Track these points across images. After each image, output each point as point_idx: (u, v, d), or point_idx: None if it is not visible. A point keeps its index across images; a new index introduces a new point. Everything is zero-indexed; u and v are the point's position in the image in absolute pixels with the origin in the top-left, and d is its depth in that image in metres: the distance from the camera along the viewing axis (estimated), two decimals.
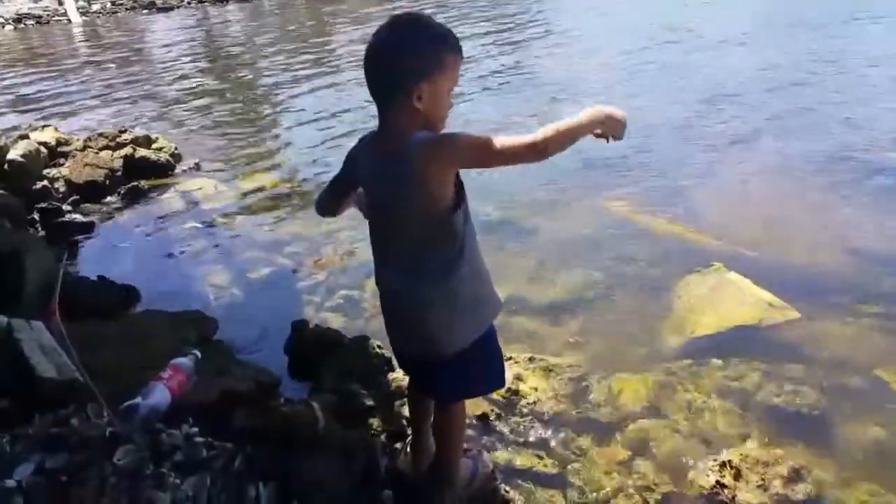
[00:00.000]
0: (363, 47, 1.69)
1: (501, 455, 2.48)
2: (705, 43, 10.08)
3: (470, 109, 7.03)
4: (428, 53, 1.62)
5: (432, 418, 2.16)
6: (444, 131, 1.70)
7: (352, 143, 1.89)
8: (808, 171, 5.13)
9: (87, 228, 4.80)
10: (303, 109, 7.90)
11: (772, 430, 2.65)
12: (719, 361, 3.01)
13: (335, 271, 3.99)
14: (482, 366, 1.97)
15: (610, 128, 1.72)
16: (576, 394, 2.82)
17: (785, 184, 4.94)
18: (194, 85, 9.76)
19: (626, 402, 2.78)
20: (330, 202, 2.02)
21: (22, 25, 17.30)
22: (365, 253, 2.00)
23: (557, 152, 1.62)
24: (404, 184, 1.65)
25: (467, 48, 1.83)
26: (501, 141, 1.61)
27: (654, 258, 3.93)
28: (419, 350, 1.91)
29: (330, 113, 7.48)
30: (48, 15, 18.16)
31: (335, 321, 3.46)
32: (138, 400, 2.20)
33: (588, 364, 3.00)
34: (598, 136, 1.74)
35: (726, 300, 3.45)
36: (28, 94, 9.38)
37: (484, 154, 1.63)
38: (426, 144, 1.62)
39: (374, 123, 1.78)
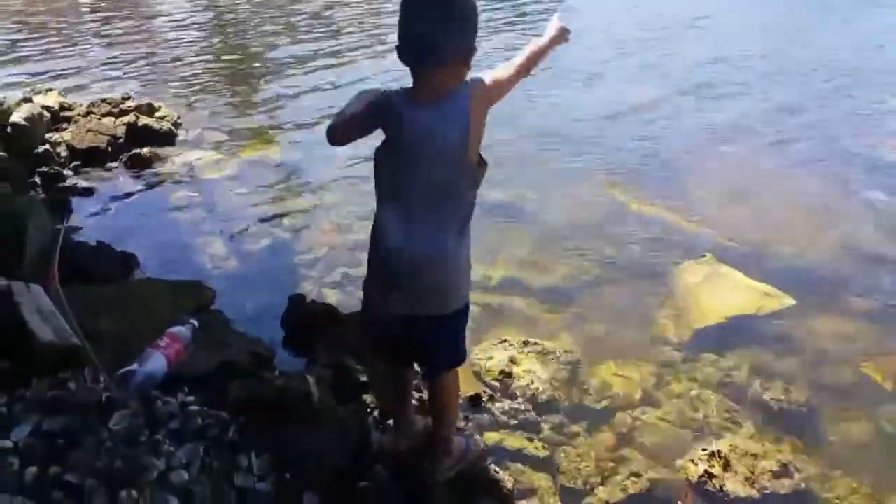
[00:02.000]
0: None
1: (492, 436, 2.51)
2: (712, 31, 10.02)
3: None
4: (471, 24, 1.78)
5: (423, 396, 2.21)
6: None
7: None
8: (806, 164, 5.13)
9: (88, 194, 4.79)
10: (307, 82, 7.85)
11: (761, 423, 2.69)
12: (712, 352, 3.05)
13: (335, 246, 3.99)
14: (462, 332, 2.05)
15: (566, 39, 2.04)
16: (569, 379, 2.84)
17: (782, 176, 4.95)
18: (199, 55, 9.67)
19: (618, 389, 2.81)
20: (351, 135, 1.93)
21: None
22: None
23: (527, 73, 1.92)
24: (458, 130, 1.75)
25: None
26: (505, 73, 1.86)
27: (651, 246, 3.95)
28: (428, 305, 1.92)
29: (334, 86, 7.43)
30: None
31: (332, 297, 3.47)
32: (135, 366, 2.22)
33: (582, 350, 3.03)
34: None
35: (722, 289, 3.48)
36: (31, 58, 9.30)
37: (503, 89, 1.86)
38: (480, 90, 1.78)
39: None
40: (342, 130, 1.91)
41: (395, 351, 2.11)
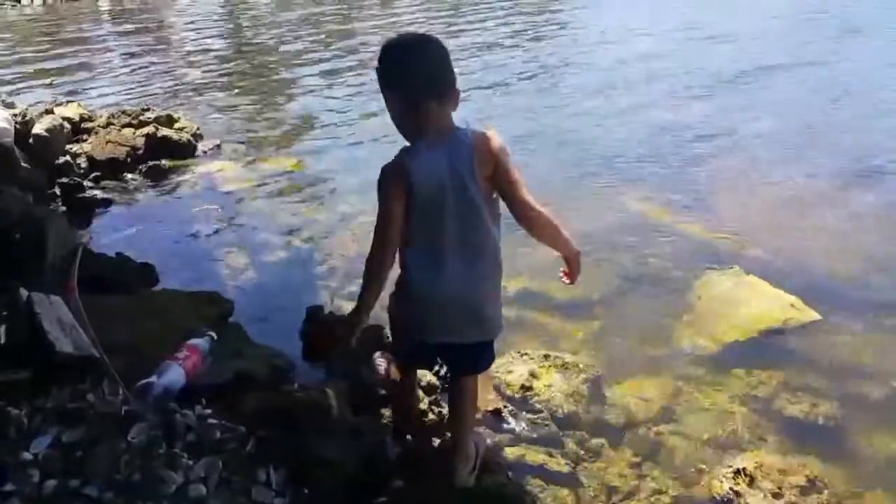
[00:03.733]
0: (391, 35, 1.70)
1: (513, 451, 2.47)
2: (733, 40, 9.98)
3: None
4: (450, 61, 1.89)
5: (453, 399, 2.29)
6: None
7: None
8: (832, 176, 5.04)
9: (107, 205, 4.82)
10: (326, 95, 7.90)
11: (788, 438, 2.62)
12: (737, 366, 2.98)
13: (353, 258, 3.98)
14: None
15: (573, 267, 2.06)
16: (591, 393, 2.79)
17: (808, 188, 4.86)
18: (219, 66, 9.78)
19: (641, 404, 2.76)
20: (396, 242, 1.93)
21: (51, 2, 17.40)
22: None
23: (537, 236, 1.96)
24: (468, 162, 1.84)
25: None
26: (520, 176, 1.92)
27: (674, 258, 3.89)
28: (479, 333, 2.05)
29: (352, 100, 7.47)
30: None
31: (350, 308, 3.43)
32: (153, 378, 2.21)
33: (604, 364, 2.98)
34: (564, 272, 2.09)
35: (747, 301, 3.41)
36: (53, 70, 9.43)
37: (513, 184, 1.90)
38: (485, 134, 1.89)
39: None
40: (382, 243, 1.92)
41: (432, 362, 2.36)
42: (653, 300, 3.53)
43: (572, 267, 2.04)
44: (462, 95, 1.90)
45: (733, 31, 10.47)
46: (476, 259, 1.93)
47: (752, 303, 3.40)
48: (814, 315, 3.30)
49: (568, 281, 2.08)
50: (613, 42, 10.37)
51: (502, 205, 1.95)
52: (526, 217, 1.89)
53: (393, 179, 1.86)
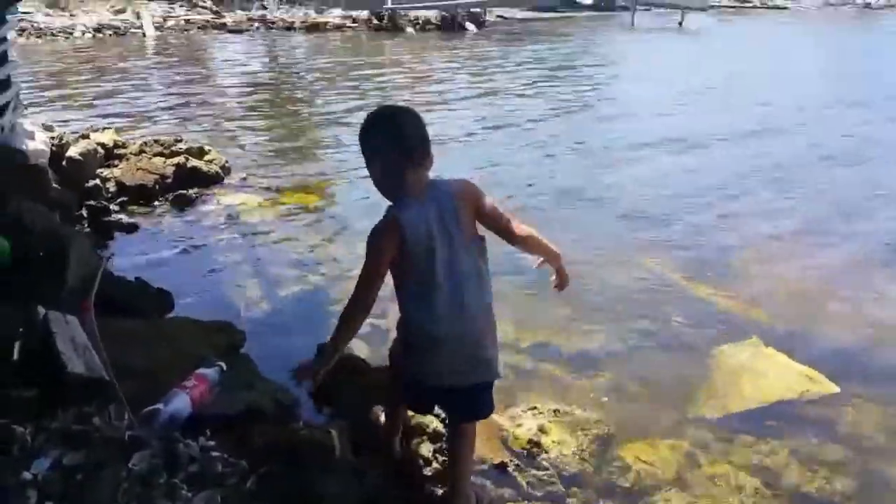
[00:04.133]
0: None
1: None
2: (754, 97, 10.05)
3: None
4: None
5: (451, 445, 2.32)
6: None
7: None
8: (858, 250, 4.99)
9: (132, 229, 4.89)
10: (352, 135, 7.99)
11: None
12: (751, 436, 2.90)
13: None
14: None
15: (564, 278, 2.32)
16: (600, 453, 2.73)
17: (832, 260, 4.80)
18: (252, 103, 10.00)
19: (650, 468, 2.68)
20: (374, 296, 2.08)
21: (101, 35, 17.99)
22: (391, 280, 2.05)
23: (528, 251, 2.31)
24: (451, 210, 2.02)
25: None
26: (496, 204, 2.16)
27: (690, 322, 3.83)
28: (475, 375, 2.12)
29: None
30: (126, 27, 18.86)
31: (361, 349, 3.43)
32: (160, 406, 2.20)
33: (616, 423, 2.91)
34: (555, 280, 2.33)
35: (764, 372, 3.35)
36: (95, 97, 9.70)
37: (492, 212, 2.15)
38: (462, 182, 2.13)
39: None
40: (363, 297, 2.09)
41: (431, 407, 2.38)
42: (667, 362, 3.47)
43: (560, 272, 2.29)
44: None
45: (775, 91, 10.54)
46: (467, 297, 2.04)
47: (769, 374, 3.34)
48: (832, 388, 3.23)
49: (558, 286, 2.31)
50: (638, 100, 10.48)
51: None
52: (516, 242, 2.18)
53: (387, 234, 2.01)
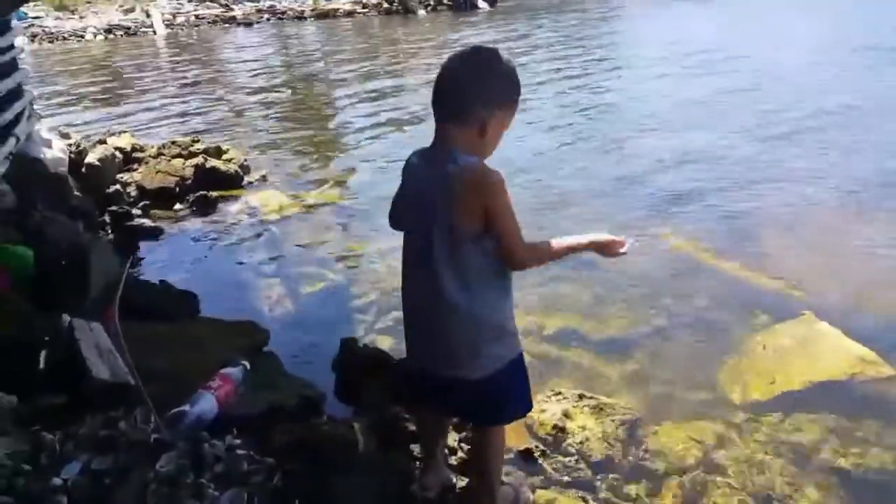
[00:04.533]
0: (435, 66, 1.71)
1: (544, 494, 2.39)
2: (781, 71, 9.85)
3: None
4: (501, 89, 1.74)
5: (472, 452, 2.18)
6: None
7: None
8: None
9: (154, 233, 4.94)
10: (371, 128, 8.02)
11: (834, 492, 2.49)
12: (786, 416, 2.84)
13: (388, 292, 3.98)
14: (511, 392, 1.96)
15: (609, 251, 1.90)
16: (627, 437, 2.70)
17: (868, 230, 4.66)
18: (268, 98, 10.04)
19: (679, 450, 2.65)
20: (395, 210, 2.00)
21: (112, 36, 18.16)
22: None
23: (535, 266, 1.84)
24: (444, 192, 1.71)
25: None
26: (509, 220, 1.74)
27: (719, 301, 3.76)
28: (446, 366, 1.88)
29: (398, 133, 7.56)
30: (136, 26, 19.04)
31: (384, 342, 3.44)
32: (186, 407, 2.22)
33: (642, 407, 2.89)
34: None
35: (814, 351, 3.22)
36: (109, 100, 9.80)
37: (501, 223, 1.74)
38: (474, 173, 1.70)
39: None
40: (392, 212, 1.97)
41: (435, 402, 2.06)
42: (698, 345, 3.40)
43: (603, 254, 1.92)
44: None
45: (786, 66, 10.33)
46: (443, 285, 1.76)
47: (818, 353, 3.20)
48: (886, 366, 3.09)
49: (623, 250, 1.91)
50: (664, 77, 10.34)
51: None
52: (515, 264, 1.80)
53: (405, 162, 1.89)
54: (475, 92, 1.71)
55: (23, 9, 12.43)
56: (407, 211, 1.90)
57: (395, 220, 1.98)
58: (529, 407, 2.07)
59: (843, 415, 2.84)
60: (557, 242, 1.85)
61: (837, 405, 2.91)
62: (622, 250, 1.90)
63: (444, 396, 1.96)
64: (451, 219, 1.71)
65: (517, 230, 1.75)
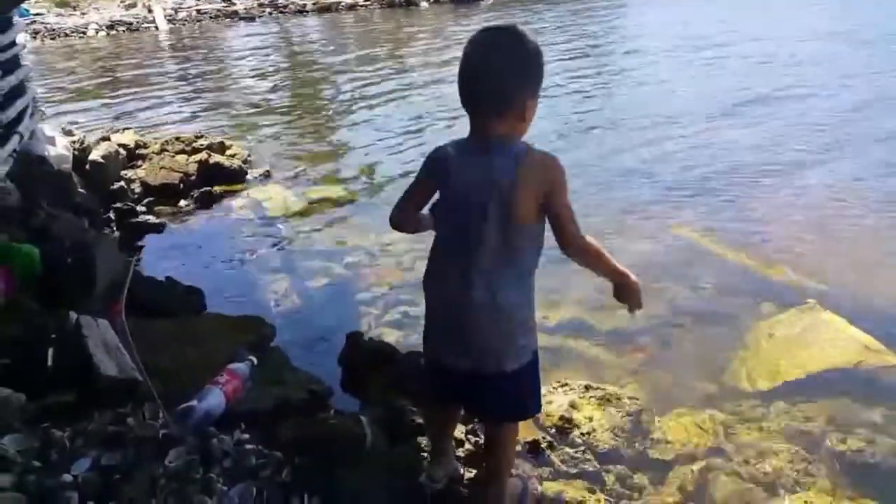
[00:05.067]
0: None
1: (551, 486, 2.40)
2: (790, 62, 9.80)
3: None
4: (536, 70, 1.71)
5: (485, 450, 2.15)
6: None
7: (419, 156, 1.89)
8: None
9: (159, 229, 4.95)
10: (374, 122, 8.00)
11: (842, 478, 2.49)
12: (792, 404, 2.85)
13: (395, 285, 3.99)
14: (529, 387, 1.96)
15: (629, 298, 1.86)
16: (634, 427, 2.71)
17: (874, 218, 4.66)
18: (270, 93, 10.02)
19: (686, 440, 2.66)
20: (410, 214, 1.96)
21: (114, 32, 18.15)
22: (423, 269, 1.96)
23: (579, 263, 1.80)
24: (506, 184, 1.68)
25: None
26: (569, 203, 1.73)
27: (727, 290, 3.76)
28: (484, 362, 1.85)
29: (401, 127, 7.55)
30: (138, 22, 19.02)
31: (390, 335, 3.45)
32: (194, 403, 2.23)
33: (649, 397, 2.89)
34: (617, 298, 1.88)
35: (819, 340, 3.22)
36: (113, 97, 9.80)
37: (562, 216, 1.73)
38: (534, 156, 1.70)
39: (445, 138, 1.82)
40: (396, 213, 1.95)
41: (454, 398, 2.06)
42: (704, 334, 3.40)
43: (622, 293, 1.86)
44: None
45: (799, 53, 10.26)
46: (488, 277, 1.76)
47: (823, 341, 3.20)
48: (891, 354, 3.09)
49: (629, 309, 1.89)
50: (668, 66, 10.29)
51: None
52: (572, 251, 1.76)
53: (429, 164, 1.84)
54: (516, 79, 1.69)
55: (24, 5, 12.41)
56: (454, 207, 1.81)
57: (438, 217, 1.90)
58: (541, 406, 2.06)
59: (849, 402, 2.85)
60: (607, 255, 1.81)
61: (843, 393, 2.91)
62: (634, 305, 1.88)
63: (466, 393, 1.95)
64: (511, 208, 1.69)
65: (573, 211, 1.74)
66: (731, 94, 8.23)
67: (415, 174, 1.91)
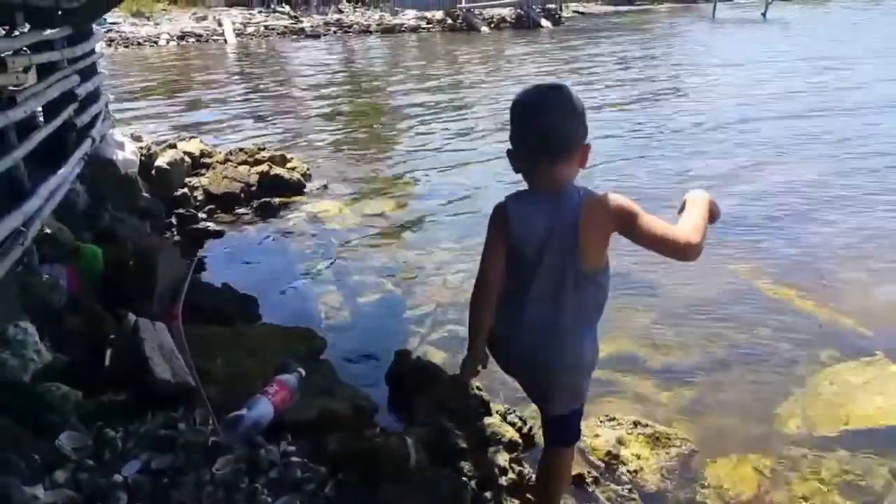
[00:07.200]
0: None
1: None
2: (850, 95, 9.52)
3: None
4: (585, 119, 1.81)
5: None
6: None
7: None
8: None
9: (218, 237, 5.07)
10: (432, 141, 8.07)
11: None
12: (849, 455, 2.72)
13: (443, 304, 3.98)
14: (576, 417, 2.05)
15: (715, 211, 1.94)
16: (682, 469, 2.63)
17: None
18: (331, 108, 10.22)
19: (735, 486, 2.56)
20: (492, 273, 1.89)
21: (184, 42, 18.78)
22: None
23: (702, 244, 1.78)
24: (570, 228, 1.76)
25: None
26: (652, 219, 1.76)
27: (782, 333, 3.62)
28: (541, 400, 1.99)
29: (458, 147, 7.59)
30: (207, 34, 19.66)
31: (437, 355, 3.44)
32: (243, 412, 2.26)
33: (699, 438, 2.80)
34: None
35: (884, 392, 3.09)
36: (181, 105, 10.12)
37: (642, 227, 1.75)
38: (598, 196, 1.78)
39: (504, 163, 1.82)
40: (480, 283, 1.91)
41: None
42: (759, 378, 3.27)
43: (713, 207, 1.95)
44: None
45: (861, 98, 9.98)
46: (561, 323, 1.83)
47: (889, 394, 3.07)
48: None
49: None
50: (734, 100, 10.12)
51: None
52: (685, 257, 1.76)
53: (494, 219, 1.87)
54: (575, 127, 1.78)
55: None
56: (526, 259, 1.83)
57: (510, 271, 1.88)
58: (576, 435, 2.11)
59: None
60: (695, 214, 1.85)
61: None
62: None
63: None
64: (583, 253, 1.77)
65: (662, 221, 1.77)
66: (797, 128, 8.04)
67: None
